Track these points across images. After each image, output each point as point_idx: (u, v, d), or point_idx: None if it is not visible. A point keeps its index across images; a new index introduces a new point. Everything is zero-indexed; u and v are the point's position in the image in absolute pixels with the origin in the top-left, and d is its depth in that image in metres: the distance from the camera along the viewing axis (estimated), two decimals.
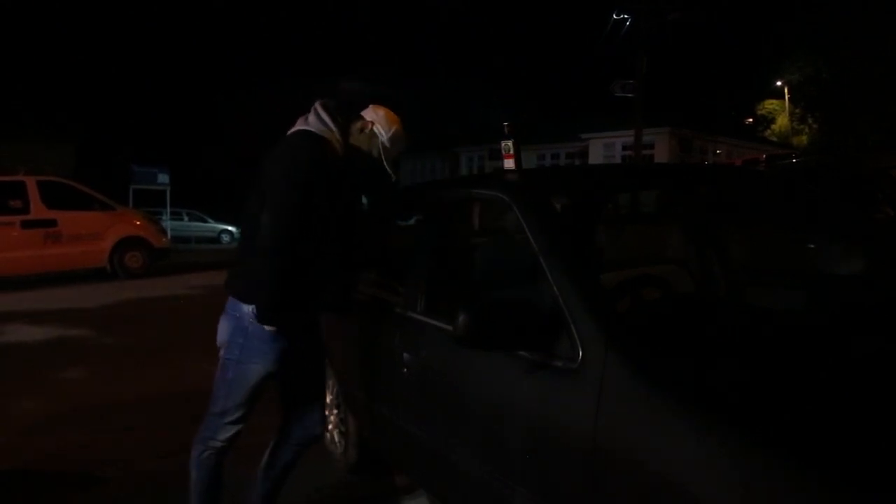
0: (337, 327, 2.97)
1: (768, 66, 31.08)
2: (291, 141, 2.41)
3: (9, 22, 26.15)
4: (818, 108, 29.73)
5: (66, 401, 4.66)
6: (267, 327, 2.34)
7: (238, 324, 2.41)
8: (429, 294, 2.53)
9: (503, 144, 2.69)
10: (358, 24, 48.63)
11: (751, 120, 34.79)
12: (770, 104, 33.14)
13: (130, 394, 4.78)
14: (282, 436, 2.63)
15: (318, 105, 2.48)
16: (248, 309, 2.36)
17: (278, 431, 2.64)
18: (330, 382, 3.37)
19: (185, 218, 24.19)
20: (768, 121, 33.77)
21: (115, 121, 30.23)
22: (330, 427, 3.49)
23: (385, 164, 2.51)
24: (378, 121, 2.50)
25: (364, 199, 2.77)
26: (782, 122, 32.50)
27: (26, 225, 10.17)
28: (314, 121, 2.44)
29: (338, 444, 3.45)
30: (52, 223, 10.34)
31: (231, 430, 2.46)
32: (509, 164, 2.69)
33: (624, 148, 25.63)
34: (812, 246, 3.36)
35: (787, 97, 31.68)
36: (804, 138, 30.70)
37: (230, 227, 24.21)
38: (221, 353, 2.47)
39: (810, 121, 30.96)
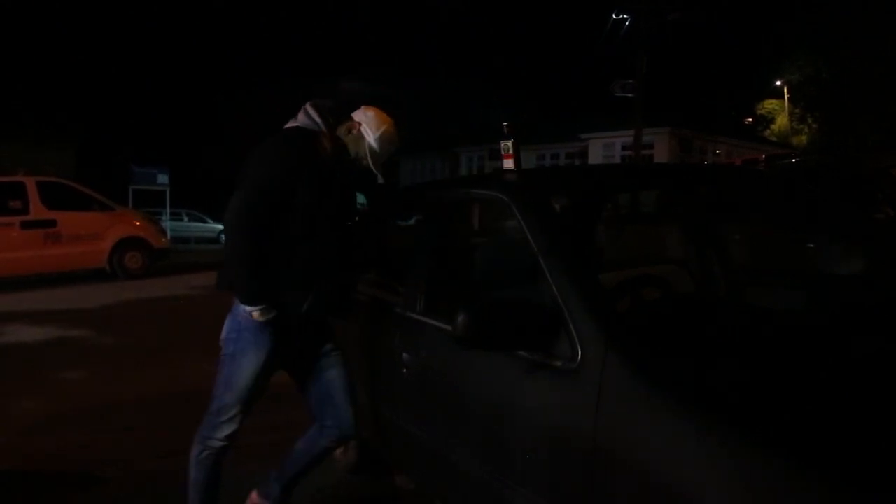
0: (337, 327, 2.97)
1: (768, 66, 31.08)
2: (277, 134, 2.44)
3: (9, 22, 26.15)
4: (818, 108, 29.73)
5: (66, 401, 4.66)
6: (253, 312, 2.32)
7: (233, 319, 2.43)
8: (428, 294, 2.53)
9: (502, 144, 2.68)
10: (358, 24, 48.63)
11: (750, 120, 34.78)
12: (770, 104, 33.13)
13: (130, 394, 4.78)
14: (315, 430, 2.60)
15: (308, 104, 2.49)
16: (244, 306, 2.37)
17: (313, 427, 2.62)
18: None
19: (185, 218, 24.18)
20: (768, 121, 33.76)
21: (115, 121, 30.20)
22: None
23: (372, 165, 2.47)
24: (366, 122, 2.47)
25: (363, 200, 2.75)
26: (782, 121, 32.50)
27: (26, 225, 10.17)
28: (303, 118, 2.47)
29: None
30: (51, 224, 10.34)
31: (228, 429, 2.45)
32: (508, 164, 2.69)
33: (624, 148, 25.60)
34: (812, 246, 3.36)
35: (786, 97, 31.67)
36: (804, 138, 30.70)
37: None
38: (221, 350, 2.48)
39: (810, 120, 30.95)
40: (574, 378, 1.70)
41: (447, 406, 2.31)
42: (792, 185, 3.19)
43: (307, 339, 2.54)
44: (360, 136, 2.45)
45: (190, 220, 24.49)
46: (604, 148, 27.45)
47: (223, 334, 2.46)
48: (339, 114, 2.51)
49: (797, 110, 31.63)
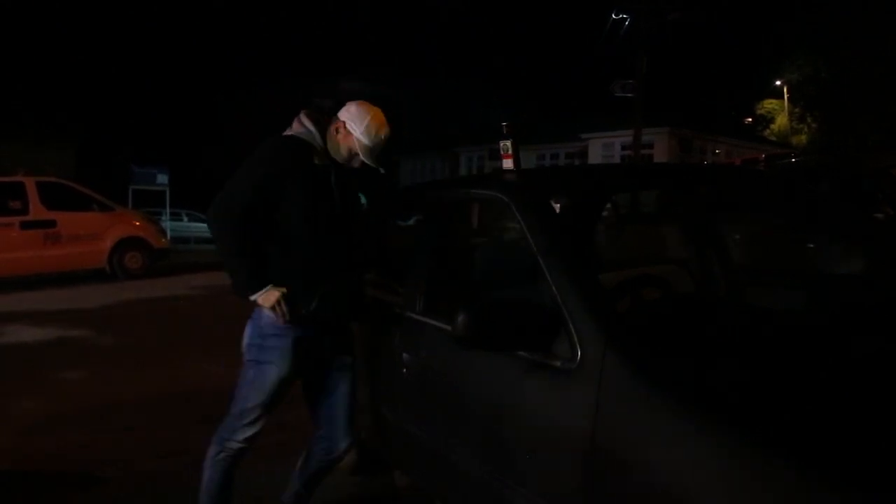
0: None
1: (768, 66, 31.05)
2: (274, 137, 2.47)
3: (9, 22, 26.15)
4: (817, 108, 29.71)
5: (66, 401, 4.66)
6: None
7: (255, 324, 2.44)
8: (428, 294, 2.53)
9: (502, 144, 2.68)
10: (358, 24, 48.66)
11: (750, 120, 34.78)
12: (769, 104, 33.11)
13: (130, 394, 4.78)
14: (311, 446, 2.63)
15: (302, 113, 2.50)
16: (265, 311, 2.37)
17: (311, 441, 2.64)
18: None
19: (185, 218, 24.15)
20: (767, 120, 33.74)
21: (115, 121, 30.21)
22: None
23: (366, 159, 2.43)
24: (349, 118, 2.43)
25: (364, 200, 2.73)
26: (781, 121, 32.47)
27: (25, 226, 10.16)
28: (298, 127, 2.47)
29: None
30: (51, 224, 10.33)
31: (248, 432, 2.45)
32: (508, 164, 2.69)
33: (623, 148, 25.59)
34: (812, 246, 3.37)
35: (786, 97, 31.65)
36: (803, 138, 30.68)
37: None
38: (244, 356, 2.48)
39: (809, 120, 30.92)
40: (574, 378, 1.70)
41: (447, 406, 2.31)
42: (792, 185, 3.19)
43: (325, 348, 2.52)
44: (347, 134, 2.43)
45: (190, 221, 24.45)
46: (603, 148, 27.44)
47: (245, 340, 2.46)
48: (329, 116, 2.52)
49: (797, 110, 31.61)
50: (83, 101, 28.23)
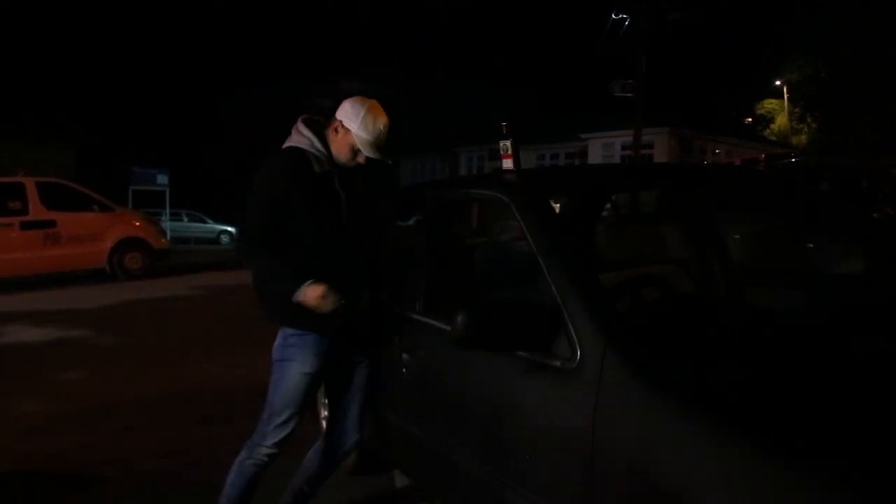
0: None
1: (768, 66, 31.04)
2: (272, 157, 2.47)
3: (9, 22, 26.16)
4: (817, 108, 29.71)
5: (66, 401, 4.66)
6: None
7: (283, 329, 2.46)
8: (428, 294, 2.53)
9: (501, 144, 2.68)
10: (358, 24, 48.68)
11: (750, 119, 34.78)
12: (769, 104, 33.10)
13: (130, 394, 4.78)
14: (317, 444, 2.65)
15: (299, 122, 2.50)
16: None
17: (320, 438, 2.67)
18: None
19: (185, 219, 24.15)
20: (767, 120, 33.74)
21: (115, 121, 30.22)
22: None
23: (368, 153, 2.43)
24: (344, 115, 2.43)
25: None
26: (781, 121, 32.47)
27: (25, 226, 10.17)
28: (297, 137, 2.46)
29: None
30: (51, 224, 10.34)
31: (278, 435, 2.44)
32: (508, 164, 2.69)
33: (623, 148, 25.60)
34: (812, 246, 3.36)
35: (786, 97, 31.65)
36: (803, 138, 30.67)
37: (229, 228, 24.17)
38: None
39: (809, 120, 30.93)
40: (573, 378, 1.70)
41: (447, 406, 2.31)
42: (792, 185, 3.19)
43: (344, 347, 2.53)
44: (346, 132, 2.43)
45: (190, 221, 24.46)
46: (603, 148, 27.45)
47: (276, 342, 2.48)
48: (327, 119, 2.52)
49: (797, 110, 31.61)
50: (83, 101, 28.27)
